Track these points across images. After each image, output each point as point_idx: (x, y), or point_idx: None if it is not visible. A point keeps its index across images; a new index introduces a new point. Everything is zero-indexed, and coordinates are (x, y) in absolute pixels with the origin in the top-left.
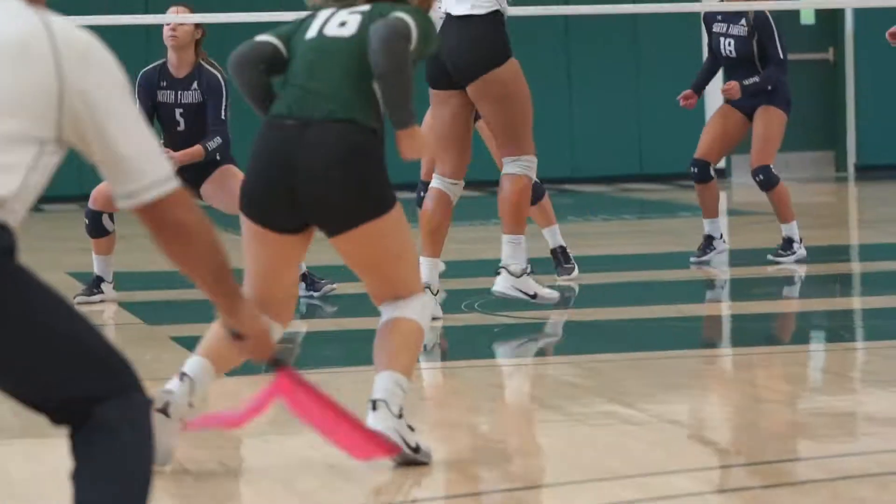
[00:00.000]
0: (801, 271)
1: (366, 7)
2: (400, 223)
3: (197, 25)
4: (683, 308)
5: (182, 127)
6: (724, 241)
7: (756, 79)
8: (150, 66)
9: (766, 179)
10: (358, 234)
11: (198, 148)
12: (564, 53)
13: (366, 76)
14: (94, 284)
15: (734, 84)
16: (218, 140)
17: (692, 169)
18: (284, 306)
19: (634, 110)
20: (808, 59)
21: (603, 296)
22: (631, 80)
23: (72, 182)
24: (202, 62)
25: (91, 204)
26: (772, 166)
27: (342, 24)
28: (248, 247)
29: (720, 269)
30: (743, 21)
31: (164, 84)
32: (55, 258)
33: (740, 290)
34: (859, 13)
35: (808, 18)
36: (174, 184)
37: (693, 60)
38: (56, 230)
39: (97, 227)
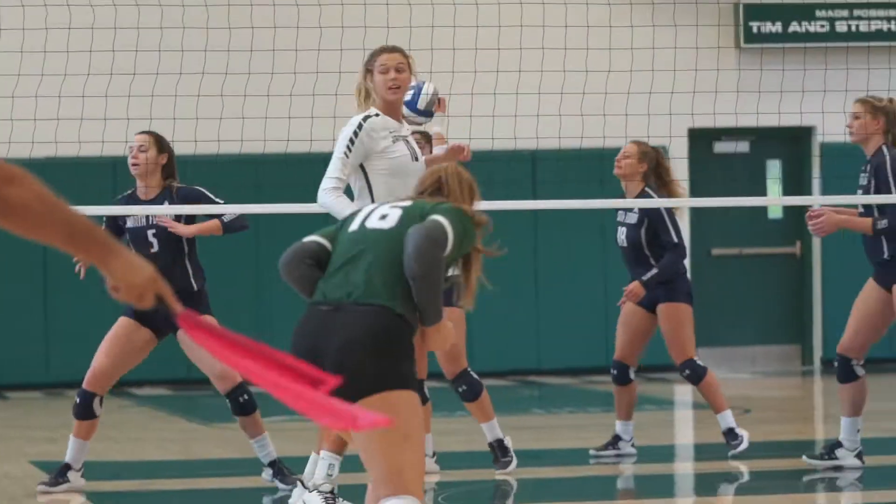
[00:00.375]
0: (764, 466)
1: (408, 202)
2: (414, 408)
3: (160, 150)
4: None
5: (156, 248)
6: (632, 446)
7: (654, 270)
8: (120, 196)
9: (693, 373)
10: (372, 402)
11: (215, 221)
12: (532, 246)
13: (399, 267)
14: (59, 473)
15: (635, 286)
16: (234, 214)
17: (612, 371)
18: None
19: (601, 303)
20: (775, 253)
21: (553, 490)
22: (598, 273)
23: (39, 370)
24: (172, 185)
25: (85, 385)
26: (696, 358)
27: (383, 216)
28: None
29: (683, 464)
30: (636, 209)
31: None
32: (19, 447)
33: (706, 485)
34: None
35: (775, 213)
36: None
37: None
38: (21, 418)
39: (86, 410)
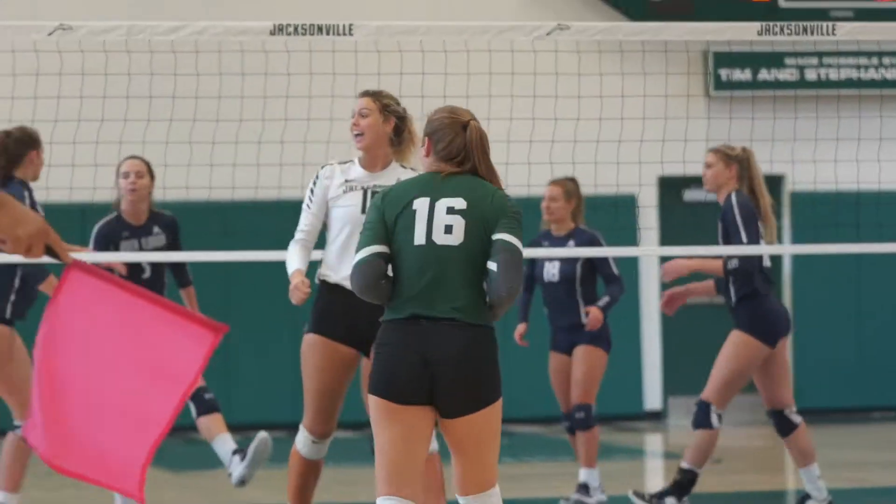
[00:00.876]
0: None
1: (462, 204)
2: (500, 412)
3: (151, 177)
4: None
5: (147, 273)
6: (601, 493)
7: (607, 298)
8: (104, 219)
9: (587, 417)
10: (490, 410)
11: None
12: None
13: (477, 282)
14: None
15: (595, 312)
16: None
17: (564, 423)
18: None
19: None
20: None
21: None
22: None
23: None
24: (153, 209)
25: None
26: (593, 406)
27: (448, 229)
28: (379, 424)
29: None
30: (571, 242)
31: (126, 234)
32: None
33: None
34: (798, 259)
35: None
36: None
37: (628, 299)
38: None
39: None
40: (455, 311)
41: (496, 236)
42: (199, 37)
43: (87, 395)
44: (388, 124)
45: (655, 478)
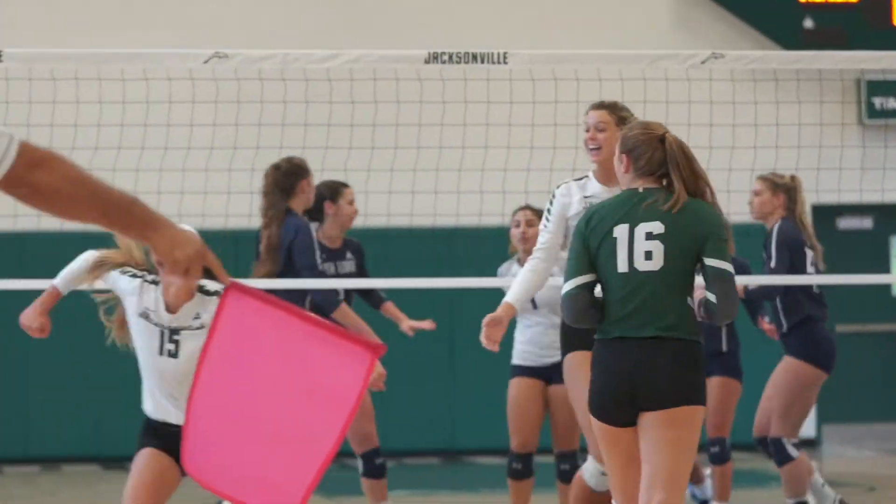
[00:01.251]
0: None
1: (660, 228)
2: (699, 425)
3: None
4: None
5: (341, 297)
6: None
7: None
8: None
9: (721, 453)
10: (673, 413)
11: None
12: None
13: (682, 299)
14: None
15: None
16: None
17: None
18: None
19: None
20: None
21: None
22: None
23: None
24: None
25: None
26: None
27: (648, 255)
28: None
29: None
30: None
31: (324, 256)
32: None
33: None
34: None
35: None
36: (14, 153)
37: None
38: None
39: None
40: (660, 327)
41: (708, 262)
42: (353, 65)
43: (249, 417)
44: None
45: None
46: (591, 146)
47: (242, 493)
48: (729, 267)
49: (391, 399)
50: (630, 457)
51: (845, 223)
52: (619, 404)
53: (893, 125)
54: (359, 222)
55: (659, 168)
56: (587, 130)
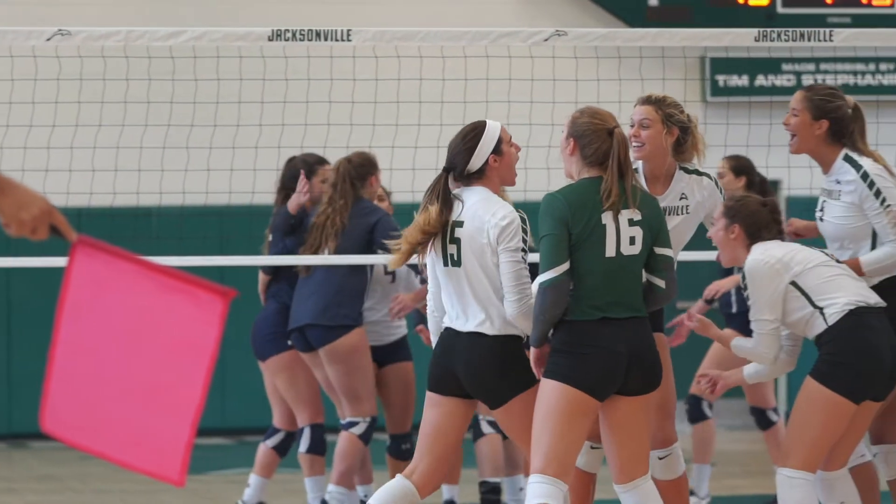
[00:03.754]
0: None
1: (638, 216)
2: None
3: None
4: None
5: None
6: None
7: None
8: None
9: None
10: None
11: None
12: None
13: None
14: None
15: None
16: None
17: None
18: None
19: None
20: None
21: None
22: None
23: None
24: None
25: None
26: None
27: (632, 240)
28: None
29: None
30: None
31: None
32: None
33: None
34: None
35: None
36: None
37: None
38: None
39: None
40: (635, 308)
41: (658, 250)
42: (196, 42)
43: (112, 373)
44: (671, 136)
45: None
46: (634, 143)
47: (114, 450)
48: (672, 254)
49: (232, 377)
50: (587, 431)
51: None
52: (613, 380)
53: (736, 103)
54: (216, 200)
55: (605, 159)
56: (632, 126)
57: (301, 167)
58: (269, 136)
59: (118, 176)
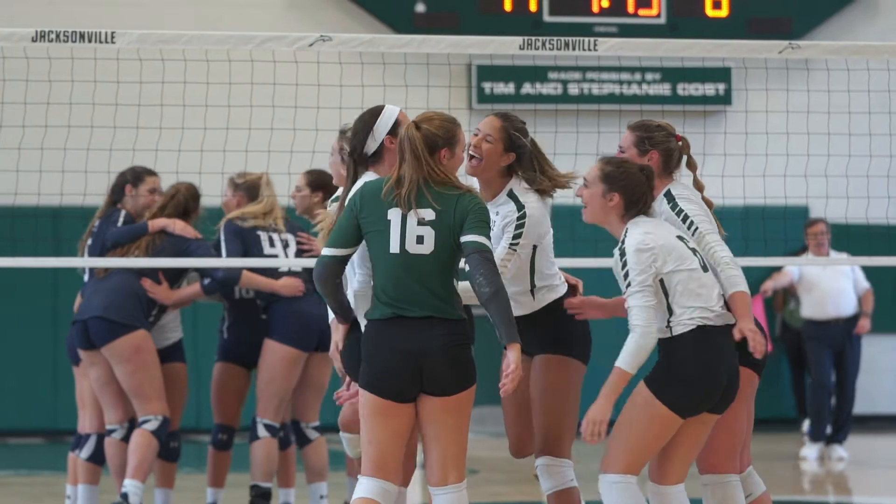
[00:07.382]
0: None
1: (431, 215)
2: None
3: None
4: None
5: None
6: None
7: None
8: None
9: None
10: (454, 400)
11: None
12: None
13: (449, 281)
14: None
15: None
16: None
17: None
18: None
19: None
20: None
21: None
22: None
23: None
24: None
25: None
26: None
27: (420, 239)
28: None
29: None
30: None
31: None
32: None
33: None
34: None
35: None
36: None
37: None
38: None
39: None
40: (437, 309)
41: (465, 238)
42: None
43: None
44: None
45: None
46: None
47: None
48: (488, 243)
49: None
50: (398, 432)
51: None
52: (398, 380)
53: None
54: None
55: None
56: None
57: (129, 178)
58: (31, 137)
59: None
